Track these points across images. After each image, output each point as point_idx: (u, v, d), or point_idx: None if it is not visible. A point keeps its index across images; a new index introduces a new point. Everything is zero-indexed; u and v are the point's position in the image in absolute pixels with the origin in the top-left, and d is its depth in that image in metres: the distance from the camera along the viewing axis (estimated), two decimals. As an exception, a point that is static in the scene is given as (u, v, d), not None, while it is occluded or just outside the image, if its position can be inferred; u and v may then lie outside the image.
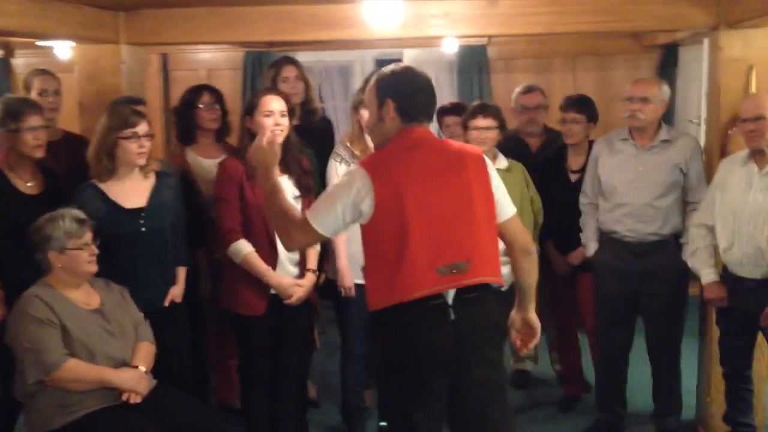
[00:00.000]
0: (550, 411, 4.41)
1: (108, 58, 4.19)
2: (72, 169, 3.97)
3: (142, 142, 3.32)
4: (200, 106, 4.09)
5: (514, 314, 2.82)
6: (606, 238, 3.92)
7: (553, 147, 4.50)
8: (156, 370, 3.22)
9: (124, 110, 3.40)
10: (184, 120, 4.16)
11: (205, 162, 4.07)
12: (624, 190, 3.80)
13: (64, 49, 5.71)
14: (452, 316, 2.53)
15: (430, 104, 2.69)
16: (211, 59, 7.11)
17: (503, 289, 3.00)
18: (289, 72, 4.29)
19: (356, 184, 2.53)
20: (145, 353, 3.18)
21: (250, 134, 3.46)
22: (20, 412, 3.28)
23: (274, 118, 3.41)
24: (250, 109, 3.47)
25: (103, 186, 3.36)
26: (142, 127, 3.33)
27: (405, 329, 2.54)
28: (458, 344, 2.54)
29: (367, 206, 2.53)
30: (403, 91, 2.61)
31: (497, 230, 2.67)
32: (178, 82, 6.97)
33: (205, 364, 4.15)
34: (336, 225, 2.60)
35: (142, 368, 3.12)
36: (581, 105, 4.16)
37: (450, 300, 2.55)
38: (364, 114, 3.61)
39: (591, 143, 4.15)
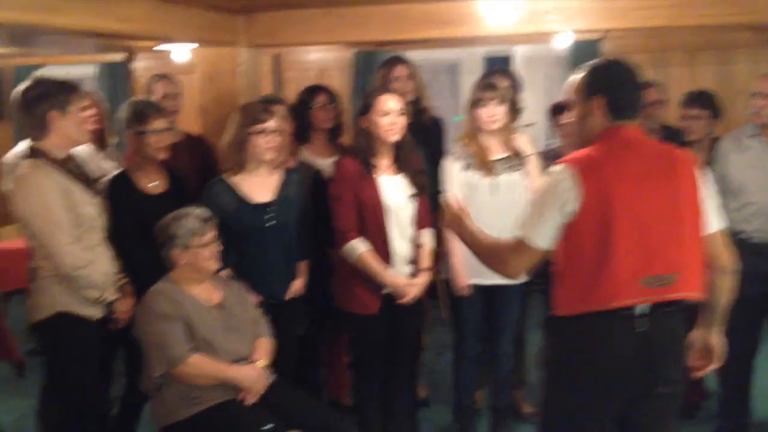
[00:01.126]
0: (669, 418, 4.25)
1: (227, 60, 4.32)
2: (192, 168, 4.12)
3: (270, 138, 3.41)
4: (315, 106, 4.14)
5: (696, 333, 2.60)
6: (731, 238, 3.75)
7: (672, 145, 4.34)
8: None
9: (255, 107, 3.51)
10: (299, 119, 4.22)
11: (319, 161, 4.12)
12: (753, 188, 3.64)
13: (182, 53, 5.90)
14: (641, 328, 2.38)
15: (639, 101, 2.53)
16: (321, 60, 7.22)
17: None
18: (400, 71, 4.29)
19: (561, 185, 2.37)
20: (264, 348, 3.24)
21: (365, 133, 3.49)
22: (145, 402, 3.41)
23: (391, 117, 3.42)
24: (366, 108, 3.49)
25: (233, 180, 3.47)
26: (270, 124, 3.43)
27: (589, 336, 2.41)
28: (645, 357, 2.40)
29: (571, 206, 2.36)
30: (613, 87, 2.45)
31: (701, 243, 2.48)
32: (289, 83, 7.11)
33: (318, 360, 4.21)
34: (552, 233, 2.41)
35: (262, 363, 3.18)
36: (705, 100, 4.01)
37: (641, 311, 2.39)
38: (482, 112, 3.59)
39: (713, 140, 3.98)
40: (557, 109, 4.41)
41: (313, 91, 4.21)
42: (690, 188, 2.44)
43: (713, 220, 2.52)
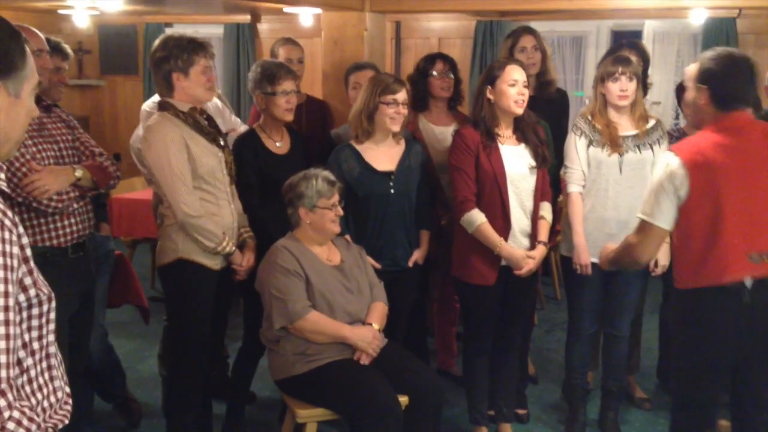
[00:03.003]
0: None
1: (352, 25, 4.33)
2: (310, 130, 4.18)
3: (399, 109, 3.44)
4: (434, 74, 4.10)
5: None
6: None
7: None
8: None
9: (387, 78, 3.54)
10: (417, 87, 4.20)
11: (437, 129, 4.11)
12: None
13: (307, 16, 5.98)
14: (747, 300, 2.61)
15: (748, 90, 2.71)
16: (442, 28, 7.17)
17: None
18: (527, 42, 4.21)
19: (671, 172, 2.63)
20: (379, 313, 3.28)
21: (488, 103, 3.44)
22: (262, 354, 3.52)
23: (518, 87, 3.37)
24: (492, 78, 3.43)
25: (359, 147, 3.52)
26: (401, 95, 3.45)
27: (701, 310, 2.69)
28: (751, 327, 2.64)
29: (683, 192, 2.62)
30: (716, 79, 2.65)
31: None
32: (409, 50, 7.10)
33: (425, 327, 4.23)
34: (672, 216, 2.68)
35: (376, 326, 3.21)
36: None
37: (748, 285, 2.61)
38: (613, 87, 3.49)
39: None
40: (684, 88, 4.24)
41: (432, 59, 4.17)
42: None
43: None
